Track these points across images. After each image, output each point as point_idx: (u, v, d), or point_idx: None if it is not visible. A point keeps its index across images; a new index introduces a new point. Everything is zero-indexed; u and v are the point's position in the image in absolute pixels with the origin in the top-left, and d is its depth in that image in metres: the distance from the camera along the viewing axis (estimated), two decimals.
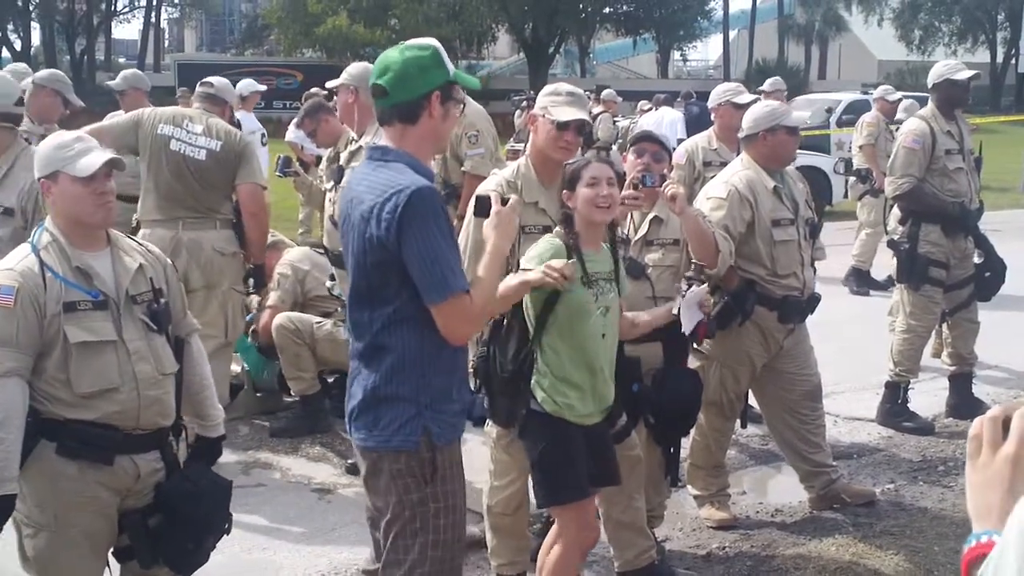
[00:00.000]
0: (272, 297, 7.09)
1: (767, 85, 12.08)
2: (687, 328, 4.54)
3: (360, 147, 5.68)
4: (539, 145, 4.55)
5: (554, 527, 4.35)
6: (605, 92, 17.93)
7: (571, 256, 3.98)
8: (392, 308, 3.20)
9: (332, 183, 6.16)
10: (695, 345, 5.01)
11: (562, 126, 4.44)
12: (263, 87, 13.12)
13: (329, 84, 6.14)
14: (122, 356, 3.56)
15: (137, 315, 3.64)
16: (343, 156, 6.00)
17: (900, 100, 11.87)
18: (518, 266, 4.42)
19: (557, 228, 4.18)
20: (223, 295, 6.38)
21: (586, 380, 4.05)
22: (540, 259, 3.95)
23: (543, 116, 4.48)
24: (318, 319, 6.89)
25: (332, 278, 6.44)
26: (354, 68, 5.92)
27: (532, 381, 4.03)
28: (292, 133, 13.65)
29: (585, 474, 4.09)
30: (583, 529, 4.13)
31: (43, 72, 7.94)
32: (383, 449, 3.27)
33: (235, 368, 7.27)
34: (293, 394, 7.07)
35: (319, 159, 9.92)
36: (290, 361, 6.85)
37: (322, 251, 6.97)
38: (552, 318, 3.99)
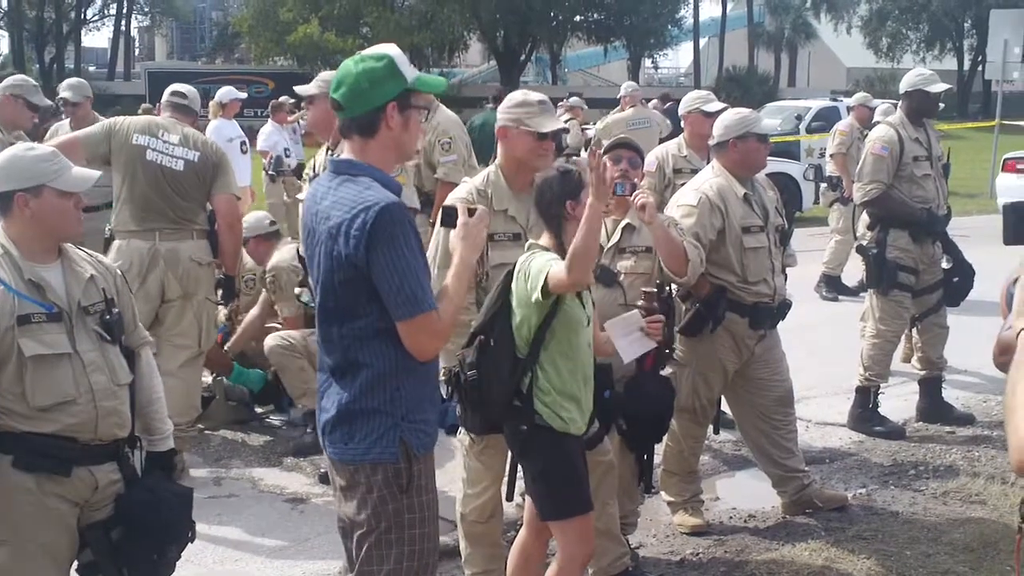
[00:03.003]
0: (286, 310, 7.01)
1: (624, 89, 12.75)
2: (627, 358, 4.41)
3: None
4: (517, 155, 4.54)
5: (521, 536, 4.34)
6: (572, 99, 17.97)
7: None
8: (363, 323, 3.17)
9: None
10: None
11: (543, 136, 4.47)
12: (243, 95, 13.08)
13: (301, 90, 5.96)
14: (77, 368, 3.54)
15: (90, 326, 3.61)
16: (317, 167, 5.91)
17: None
18: (487, 276, 4.42)
19: (533, 243, 4.09)
20: (198, 305, 6.35)
21: (581, 392, 4.03)
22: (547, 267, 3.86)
23: (518, 128, 4.48)
24: (310, 329, 6.84)
25: (302, 284, 6.39)
26: (331, 76, 5.87)
27: (534, 402, 3.97)
28: (264, 141, 13.65)
29: (588, 486, 4.09)
30: (585, 542, 4.09)
31: (14, 80, 7.88)
32: (360, 462, 3.24)
33: (207, 379, 7.23)
34: (297, 404, 7.01)
35: (301, 165, 9.83)
36: (295, 377, 6.80)
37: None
38: (550, 335, 3.93)
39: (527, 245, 4.12)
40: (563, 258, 3.90)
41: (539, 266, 3.86)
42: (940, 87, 7.27)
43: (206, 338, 6.50)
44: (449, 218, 3.50)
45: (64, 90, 8.32)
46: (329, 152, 5.82)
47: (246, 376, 7.35)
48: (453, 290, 3.31)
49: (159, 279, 6.19)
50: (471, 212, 3.46)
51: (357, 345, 3.20)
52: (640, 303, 4.47)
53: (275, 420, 7.37)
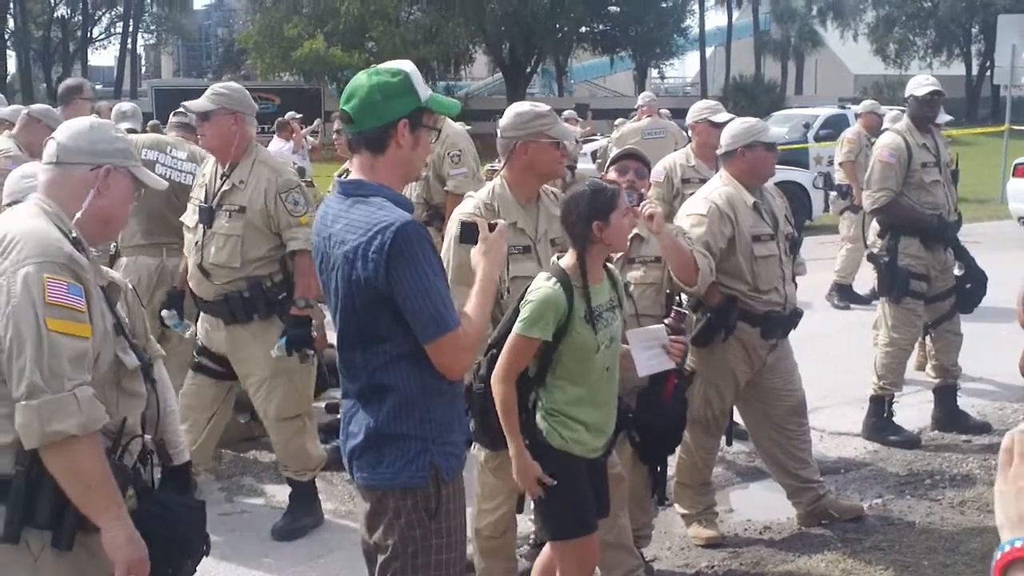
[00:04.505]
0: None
1: (641, 99, 13.09)
2: (642, 372, 4.30)
3: (234, 187, 5.49)
4: (542, 169, 4.54)
5: (544, 553, 4.30)
6: (566, 112, 17.90)
7: (572, 299, 3.83)
8: (388, 346, 3.11)
9: (200, 224, 5.61)
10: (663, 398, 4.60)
11: (560, 144, 4.50)
12: None
13: (192, 105, 5.58)
14: None
15: None
16: (206, 196, 5.62)
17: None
18: (509, 291, 4.38)
19: (555, 260, 4.03)
20: None
21: (593, 416, 3.97)
22: (543, 324, 3.80)
23: (539, 141, 4.47)
24: None
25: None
26: (234, 91, 5.68)
27: (537, 416, 3.93)
28: (274, 148, 13.68)
29: (592, 507, 4.03)
30: (582, 565, 4.05)
31: (39, 106, 7.88)
32: (389, 487, 3.19)
33: None
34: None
35: (300, 170, 9.81)
36: None
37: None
38: (556, 359, 3.88)
39: (552, 260, 4.08)
40: (583, 280, 3.87)
41: (531, 315, 3.82)
42: (924, 89, 7.23)
43: None
44: (468, 234, 3.43)
45: (128, 119, 8.18)
46: (224, 178, 5.59)
47: None
48: (477, 305, 3.24)
49: (166, 296, 6.18)
50: (491, 227, 3.39)
51: (383, 369, 3.13)
52: (668, 321, 4.41)
53: None
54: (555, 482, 3.91)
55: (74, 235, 3.01)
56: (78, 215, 3.05)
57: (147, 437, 3.33)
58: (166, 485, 3.85)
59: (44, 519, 2.92)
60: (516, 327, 3.84)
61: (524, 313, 3.84)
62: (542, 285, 3.87)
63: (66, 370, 2.82)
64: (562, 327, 3.83)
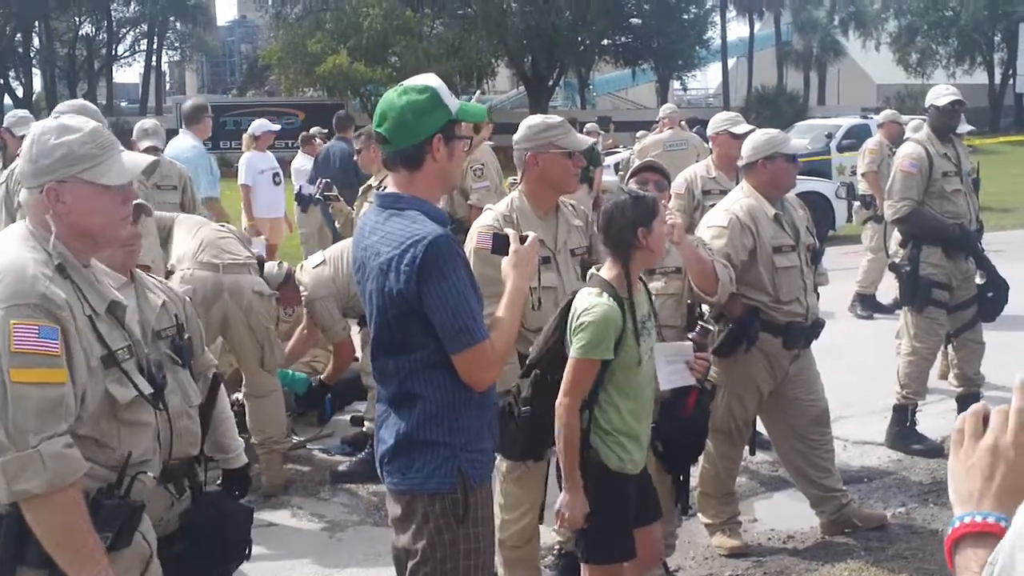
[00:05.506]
0: (334, 337, 7.07)
1: (662, 111, 13.40)
2: (663, 386, 4.28)
3: None
4: (553, 179, 4.57)
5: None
6: (588, 125, 17.95)
7: (624, 308, 3.82)
8: (418, 355, 3.16)
9: None
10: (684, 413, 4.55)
11: (572, 154, 4.52)
12: (277, 127, 13.09)
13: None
14: None
15: (162, 350, 3.64)
16: None
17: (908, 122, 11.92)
18: (540, 303, 4.41)
19: (594, 273, 4.02)
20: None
21: (642, 428, 3.99)
22: (605, 344, 3.79)
23: (549, 151, 4.50)
24: None
25: None
26: (74, 107, 5.64)
27: (592, 437, 3.91)
28: (298, 163, 13.78)
29: (632, 535, 4.00)
30: None
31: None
32: (418, 491, 3.23)
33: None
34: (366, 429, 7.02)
35: (328, 184, 10.00)
36: None
37: None
38: (608, 375, 3.87)
39: (588, 275, 4.09)
40: (629, 291, 3.86)
41: (590, 340, 3.80)
42: (945, 99, 7.23)
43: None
44: (500, 246, 3.45)
45: (150, 137, 8.19)
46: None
47: (290, 379, 7.41)
48: (506, 319, 3.28)
49: (221, 313, 6.26)
50: (523, 239, 3.42)
51: (413, 377, 3.19)
52: (692, 335, 4.42)
53: (313, 448, 7.40)
54: (592, 520, 3.90)
55: (57, 261, 2.86)
56: (53, 238, 2.88)
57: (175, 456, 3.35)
58: (229, 489, 3.93)
59: (35, 559, 2.81)
60: (576, 351, 3.81)
61: (584, 336, 3.79)
62: (596, 303, 3.82)
63: (31, 424, 2.69)
64: (617, 342, 3.83)
